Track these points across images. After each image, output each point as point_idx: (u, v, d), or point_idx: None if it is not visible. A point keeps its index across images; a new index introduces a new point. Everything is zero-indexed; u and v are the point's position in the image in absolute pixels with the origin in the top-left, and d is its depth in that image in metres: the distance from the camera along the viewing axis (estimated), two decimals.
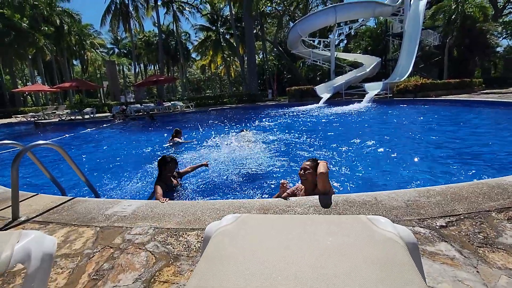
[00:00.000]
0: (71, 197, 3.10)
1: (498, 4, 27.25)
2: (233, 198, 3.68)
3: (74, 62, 45.79)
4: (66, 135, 10.92)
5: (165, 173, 3.66)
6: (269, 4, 31.69)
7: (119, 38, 51.73)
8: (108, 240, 2.14)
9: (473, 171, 4.10)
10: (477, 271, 1.52)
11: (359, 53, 29.53)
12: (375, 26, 32.43)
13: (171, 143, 7.29)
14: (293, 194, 3.05)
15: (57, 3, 33.07)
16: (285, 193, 3.05)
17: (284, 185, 2.99)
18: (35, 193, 3.29)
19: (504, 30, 28.87)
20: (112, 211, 2.63)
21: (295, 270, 0.76)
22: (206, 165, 4.49)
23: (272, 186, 4.02)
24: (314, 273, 0.75)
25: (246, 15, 24.80)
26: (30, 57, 32.91)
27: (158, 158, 3.82)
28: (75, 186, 4.51)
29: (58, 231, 2.34)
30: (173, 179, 3.83)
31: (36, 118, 20.14)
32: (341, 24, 23.12)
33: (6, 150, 7.28)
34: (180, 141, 7.38)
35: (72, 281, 1.70)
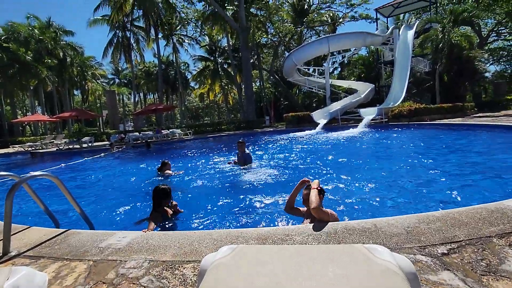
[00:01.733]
0: (65, 230, 3.02)
1: (482, 32, 28.76)
2: (231, 227, 3.61)
3: (75, 92, 46.77)
4: (62, 164, 10.86)
5: (160, 203, 3.61)
6: (265, 36, 33.26)
7: (120, 68, 53.40)
8: (101, 275, 2.06)
9: (471, 195, 4.08)
10: None
11: (353, 80, 30.45)
12: (367, 55, 33.80)
13: (161, 177, 6.85)
14: (299, 211, 3.12)
15: (61, 37, 34.45)
16: (301, 209, 3.12)
17: (305, 182, 2.96)
18: (27, 226, 3.21)
19: (490, 57, 30.26)
20: (107, 244, 2.56)
21: None
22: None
23: (270, 213, 3.95)
24: None
25: (243, 46, 25.90)
26: (31, 87, 33.60)
27: (153, 189, 3.77)
28: (70, 217, 4.42)
29: (50, 266, 2.26)
30: (169, 209, 3.77)
31: (33, 148, 20.10)
32: (335, 53, 24.09)
33: (0, 181, 7.19)
34: (171, 173, 6.96)
35: None
